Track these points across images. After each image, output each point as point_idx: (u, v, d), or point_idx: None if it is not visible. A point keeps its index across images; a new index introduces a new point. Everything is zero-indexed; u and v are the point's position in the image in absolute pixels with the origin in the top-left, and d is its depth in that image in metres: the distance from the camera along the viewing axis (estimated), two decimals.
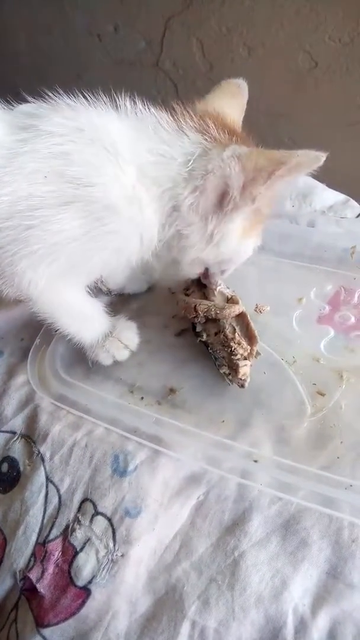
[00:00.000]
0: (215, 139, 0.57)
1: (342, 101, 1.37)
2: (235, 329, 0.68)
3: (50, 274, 0.59)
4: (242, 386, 0.67)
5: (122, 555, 0.56)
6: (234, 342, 0.67)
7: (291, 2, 1.29)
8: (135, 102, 0.59)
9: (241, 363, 0.66)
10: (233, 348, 0.66)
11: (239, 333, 0.68)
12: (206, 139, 0.57)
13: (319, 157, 0.52)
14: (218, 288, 0.72)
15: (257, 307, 0.77)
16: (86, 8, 1.58)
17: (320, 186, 0.97)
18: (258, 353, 0.70)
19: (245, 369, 0.66)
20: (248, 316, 0.69)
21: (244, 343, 0.67)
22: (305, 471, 0.59)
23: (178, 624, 0.52)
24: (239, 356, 0.66)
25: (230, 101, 0.66)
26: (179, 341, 0.75)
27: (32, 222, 0.54)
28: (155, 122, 0.58)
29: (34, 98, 0.60)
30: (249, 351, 0.66)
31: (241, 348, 0.66)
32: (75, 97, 0.59)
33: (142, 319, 0.77)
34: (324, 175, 1.02)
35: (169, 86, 1.62)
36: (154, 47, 1.55)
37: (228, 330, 0.68)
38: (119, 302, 0.81)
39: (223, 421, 0.65)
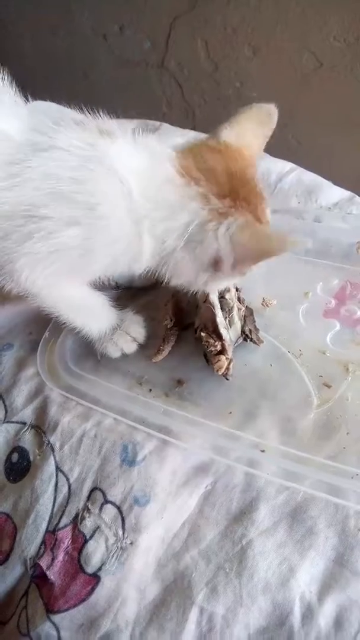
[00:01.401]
0: (214, 209, 0.57)
1: (347, 101, 1.38)
2: (211, 324, 0.70)
3: (49, 274, 0.60)
4: (226, 378, 0.68)
5: (131, 543, 0.57)
6: (204, 340, 0.68)
7: (296, 3, 1.31)
8: (151, 141, 0.61)
9: (214, 358, 0.67)
10: (205, 344, 0.68)
11: (209, 330, 0.69)
12: (205, 210, 0.57)
13: (305, 244, 0.55)
14: None
15: (264, 301, 0.78)
16: (92, 8, 1.60)
17: (326, 183, 0.98)
18: (261, 341, 0.72)
19: (219, 363, 0.67)
20: (216, 315, 0.69)
21: (212, 340, 0.68)
22: (311, 461, 0.59)
23: (186, 611, 0.53)
24: (212, 350, 0.68)
25: (256, 129, 0.65)
26: (186, 334, 0.76)
27: (36, 233, 0.55)
28: (165, 178, 0.58)
29: (40, 98, 0.61)
30: (219, 347, 0.68)
31: (212, 345, 0.68)
32: (92, 116, 0.60)
33: (150, 312, 0.78)
34: (329, 173, 1.03)
35: (174, 86, 1.63)
36: (159, 47, 1.57)
37: (202, 326, 0.71)
38: (126, 295, 0.82)
39: (230, 412, 0.66)
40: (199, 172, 0.58)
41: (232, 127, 0.64)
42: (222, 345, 0.67)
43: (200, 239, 0.57)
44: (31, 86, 0.63)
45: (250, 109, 0.65)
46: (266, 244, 0.56)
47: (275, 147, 1.44)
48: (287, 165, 1.02)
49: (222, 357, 0.66)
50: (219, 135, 0.63)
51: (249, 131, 0.64)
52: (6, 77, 0.61)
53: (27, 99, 0.63)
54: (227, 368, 0.67)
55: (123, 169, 0.56)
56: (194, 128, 1.65)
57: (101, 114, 0.60)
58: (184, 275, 0.62)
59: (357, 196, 0.95)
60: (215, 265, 0.59)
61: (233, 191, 0.58)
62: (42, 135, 0.57)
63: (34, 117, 0.59)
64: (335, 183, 1.01)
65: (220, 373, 0.67)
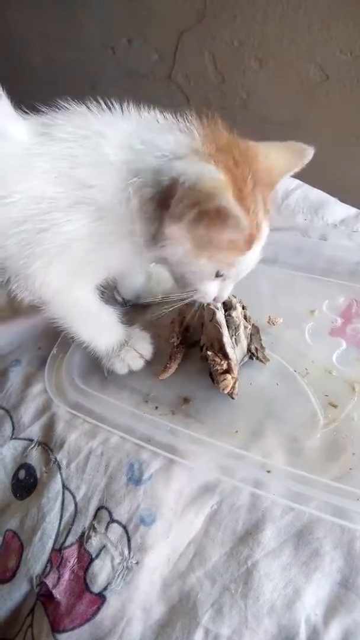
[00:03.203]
0: (198, 150, 0.56)
1: (353, 114, 1.38)
2: (218, 343, 0.70)
3: (62, 273, 0.61)
4: (232, 397, 0.68)
5: (137, 563, 0.57)
6: (210, 358, 0.69)
7: (302, 16, 1.31)
8: (142, 108, 0.61)
9: (220, 377, 0.68)
10: (211, 363, 0.68)
11: (216, 348, 0.69)
12: (194, 149, 0.56)
13: (240, 223, 0.52)
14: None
15: (270, 319, 0.78)
16: (100, 21, 1.61)
17: (332, 200, 0.98)
18: (267, 359, 0.72)
19: (225, 382, 0.67)
20: (222, 335, 0.69)
21: (218, 359, 0.68)
22: (317, 482, 0.59)
23: (192, 632, 0.53)
24: (218, 369, 0.68)
25: (282, 156, 0.63)
26: (192, 352, 0.76)
27: (44, 226, 0.57)
28: (153, 117, 0.60)
29: (49, 110, 0.62)
30: (225, 366, 0.68)
31: (218, 364, 0.68)
32: (88, 104, 0.61)
33: (157, 329, 0.78)
34: (335, 189, 1.03)
35: (181, 99, 1.63)
36: (167, 60, 1.57)
37: (209, 344, 0.71)
38: (133, 312, 0.82)
39: (236, 431, 0.66)
40: (198, 123, 0.59)
41: (258, 143, 0.62)
42: (229, 364, 0.67)
43: (171, 167, 0.54)
44: (39, 98, 0.64)
45: (283, 143, 0.64)
46: (207, 191, 0.51)
47: None
48: (294, 182, 1.02)
49: (228, 376, 0.66)
50: None
51: (274, 153, 0.62)
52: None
53: (35, 111, 0.64)
54: (233, 387, 0.67)
55: (107, 138, 0.58)
56: None
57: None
58: (144, 224, 0.58)
59: None
60: (165, 201, 0.54)
61: (225, 148, 0.57)
62: (41, 135, 0.59)
63: (34, 124, 0.61)
64: (342, 196, 1.01)
65: (226, 392, 0.67)
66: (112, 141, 0.58)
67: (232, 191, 0.53)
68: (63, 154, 0.57)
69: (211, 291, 0.64)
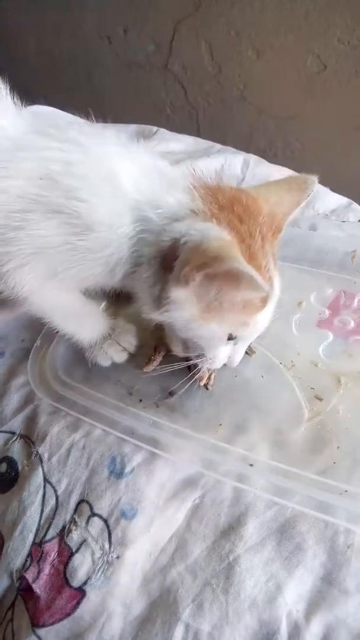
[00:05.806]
0: (202, 212, 0.55)
1: (350, 104, 1.37)
2: None
3: (36, 277, 0.59)
4: (207, 388, 0.68)
5: (118, 557, 0.57)
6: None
7: (300, 6, 1.30)
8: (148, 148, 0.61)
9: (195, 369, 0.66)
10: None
11: None
12: (194, 210, 0.55)
13: (256, 283, 0.49)
14: None
15: None
16: (96, 10, 1.60)
17: (323, 189, 0.97)
18: (253, 351, 0.71)
19: (200, 374, 0.66)
20: None
21: None
22: (301, 476, 0.59)
23: (172, 627, 0.52)
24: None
25: (284, 194, 0.62)
26: None
27: (19, 224, 0.55)
28: (158, 170, 0.59)
29: (45, 100, 0.61)
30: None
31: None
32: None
33: (142, 321, 0.76)
34: (328, 179, 1.02)
35: (178, 88, 1.63)
36: (163, 49, 1.57)
37: None
38: (119, 303, 0.81)
39: (220, 424, 0.65)
40: (199, 181, 0.58)
41: (255, 188, 0.62)
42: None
43: (174, 229, 0.54)
44: (36, 88, 0.63)
45: (285, 179, 0.63)
46: (218, 252, 0.49)
47: (279, 150, 1.44)
48: (286, 172, 1.01)
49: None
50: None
51: (275, 195, 0.61)
52: (5, 85, 0.61)
53: (31, 101, 0.63)
54: (209, 379, 0.66)
55: (115, 157, 0.57)
56: (197, 130, 1.65)
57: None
58: (145, 284, 0.58)
59: (354, 203, 0.94)
60: (167, 263, 0.54)
61: (227, 205, 0.56)
62: (35, 132, 0.58)
63: (37, 121, 0.59)
64: (339, 185, 1.00)
65: (201, 384, 0.66)
66: (117, 165, 0.56)
67: (240, 250, 0.52)
68: (54, 155, 0.55)
69: (221, 357, 0.63)
